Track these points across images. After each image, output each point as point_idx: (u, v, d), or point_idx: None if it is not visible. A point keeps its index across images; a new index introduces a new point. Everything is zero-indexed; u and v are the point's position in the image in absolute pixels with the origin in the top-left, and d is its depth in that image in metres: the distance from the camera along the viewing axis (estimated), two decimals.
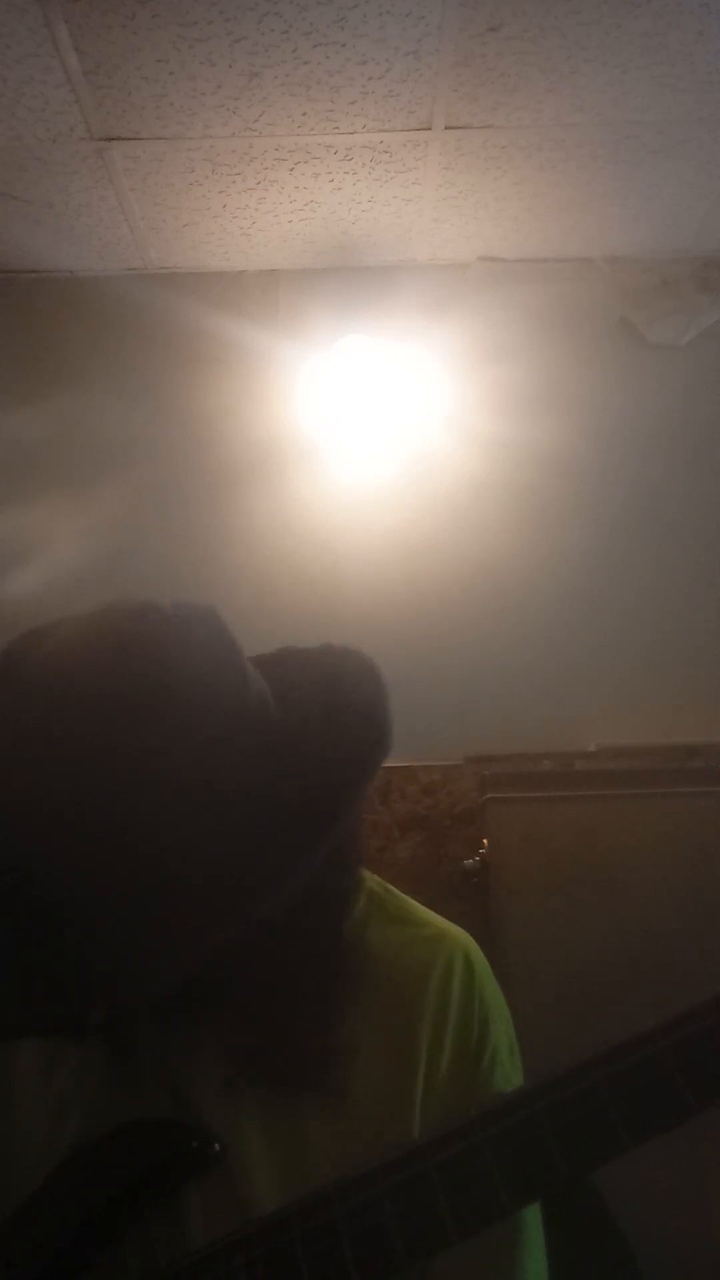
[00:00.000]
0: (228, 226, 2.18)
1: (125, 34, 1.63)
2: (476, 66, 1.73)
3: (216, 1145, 0.70)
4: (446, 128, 1.89)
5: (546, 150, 1.96)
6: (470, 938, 0.82)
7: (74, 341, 2.32)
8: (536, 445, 2.23)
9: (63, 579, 2.07)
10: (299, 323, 2.28)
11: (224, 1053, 0.71)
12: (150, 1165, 0.70)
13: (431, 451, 2.25)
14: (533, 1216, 0.74)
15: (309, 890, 0.62)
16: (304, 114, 1.83)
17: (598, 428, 2.25)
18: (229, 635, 0.66)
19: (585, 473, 2.23)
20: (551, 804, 1.81)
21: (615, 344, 2.30)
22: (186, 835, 0.55)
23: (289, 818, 0.58)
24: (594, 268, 2.32)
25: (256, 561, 2.12)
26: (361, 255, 2.29)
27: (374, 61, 1.71)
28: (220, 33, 1.63)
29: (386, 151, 1.95)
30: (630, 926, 1.67)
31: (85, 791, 0.54)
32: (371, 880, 0.84)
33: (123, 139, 1.90)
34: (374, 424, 2.23)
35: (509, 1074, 0.78)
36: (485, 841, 1.81)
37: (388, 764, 0.72)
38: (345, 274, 2.32)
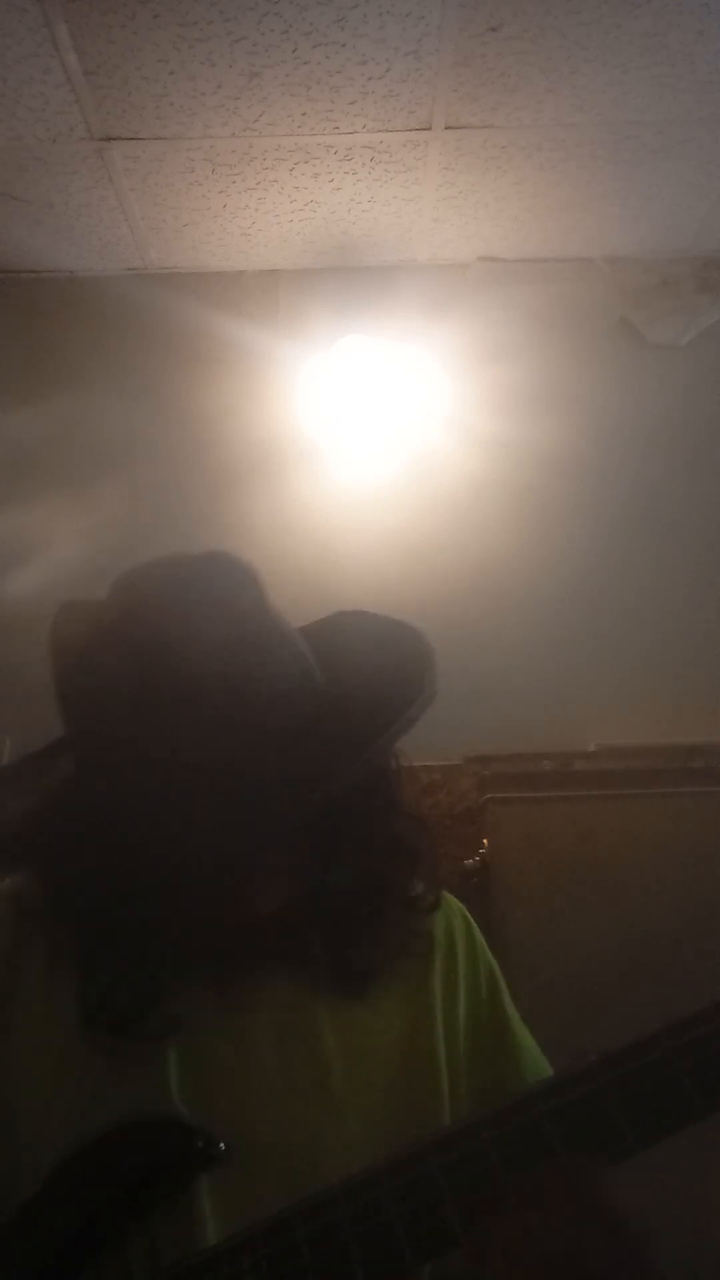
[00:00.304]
0: (228, 226, 2.18)
1: (125, 34, 1.63)
2: (476, 66, 1.73)
3: (222, 1145, 0.70)
4: (446, 128, 1.89)
5: (546, 150, 1.96)
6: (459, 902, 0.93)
7: (74, 341, 2.32)
8: (536, 445, 2.23)
9: (63, 579, 2.07)
10: (299, 323, 2.28)
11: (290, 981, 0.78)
12: (154, 1164, 0.70)
13: (431, 451, 2.25)
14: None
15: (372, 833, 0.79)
16: (304, 114, 1.83)
17: (598, 428, 2.25)
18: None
19: (585, 473, 2.22)
20: (551, 804, 1.81)
21: (615, 344, 2.30)
22: (277, 736, 0.72)
23: (337, 732, 0.74)
24: (594, 268, 2.32)
25: (256, 561, 2.11)
26: (361, 255, 2.29)
27: (374, 61, 1.71)
28: (220, 33, 1.63)
29: (386, 151, 1.95)
30: (630, 926, 1.67)
31: (212, 696, 0.70)
32: None
33: (123, 139, 1.90)
34: (374, 424, 2.23)
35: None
36: (485, 841, 1.81)
37: None
38: (345, 274, 2.32)
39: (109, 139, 1.89)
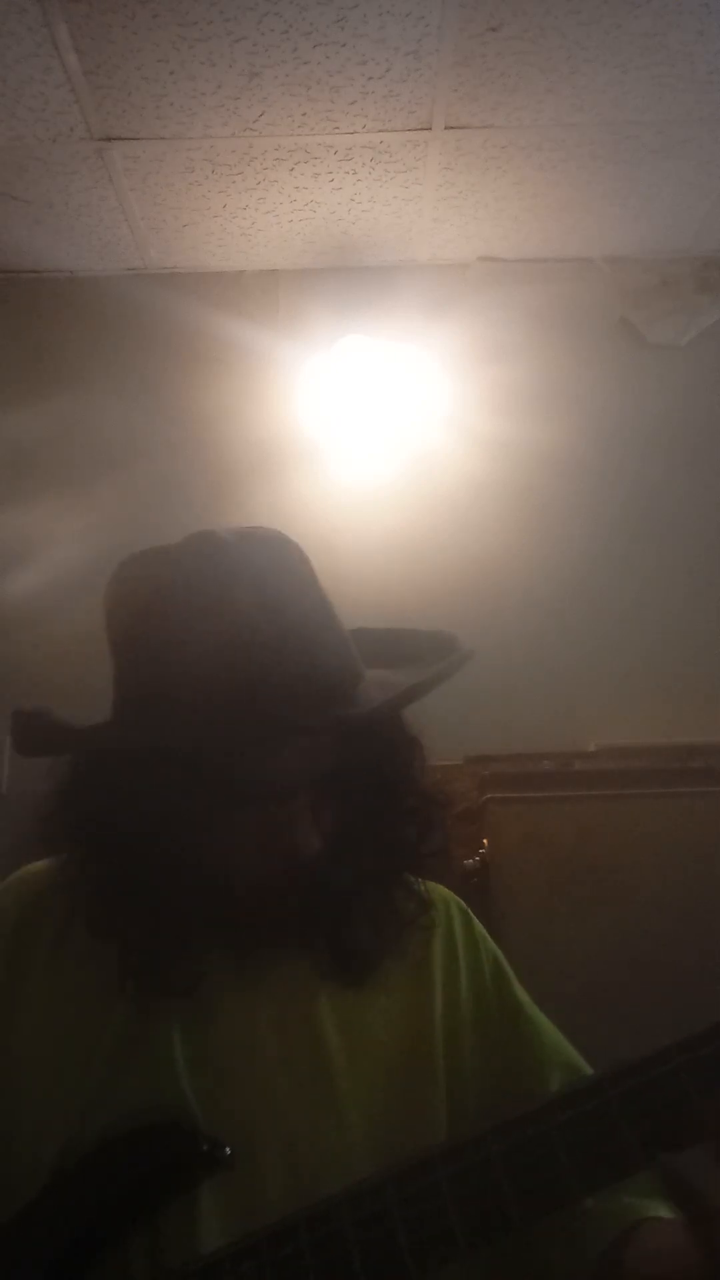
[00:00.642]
0: (228, 226, 2.18)
1: (125, 34, 1.63)
2: (476, 66, 1.73)
3: (228, 1149, 0.70)
4: (446, 128, 1.89)
5: (546, 150, 1.95)
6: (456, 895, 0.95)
7: (74, 341, 2.32)
8: (536, 445, 2.23)
9: (63, 579, 2.07)
10: (299, 323, 2.28)
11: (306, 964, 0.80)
12: (159, 1167, 0.70)
13: (431, 451, 2.25)
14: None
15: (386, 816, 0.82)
16: (304, 114, 1.83)
17: (598, 428, 2.25)
18: None
19: (585, 473, 2.22)
20: (551, 804, 1.80)
21: (615, 344, 2.30)
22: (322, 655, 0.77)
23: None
24: (594, 268, 2.32)
25: None
26: (361, 255, 2.29)
27: (374, 61, 1.71)
28: (220, 33, 1.63)
29: (386, 151, 1.95)
30: (630, 926, 1.67)
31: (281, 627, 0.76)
32: None
33: (123, 139, 1.90)
34: (374, 424, 2.23)
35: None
36: (485, 841, 1.80)
37: None
38: (345, 274, 2.32)
39: (109, 139, 1.89)
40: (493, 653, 2.12)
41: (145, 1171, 0.70)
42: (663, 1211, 0.71)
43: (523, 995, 0.89)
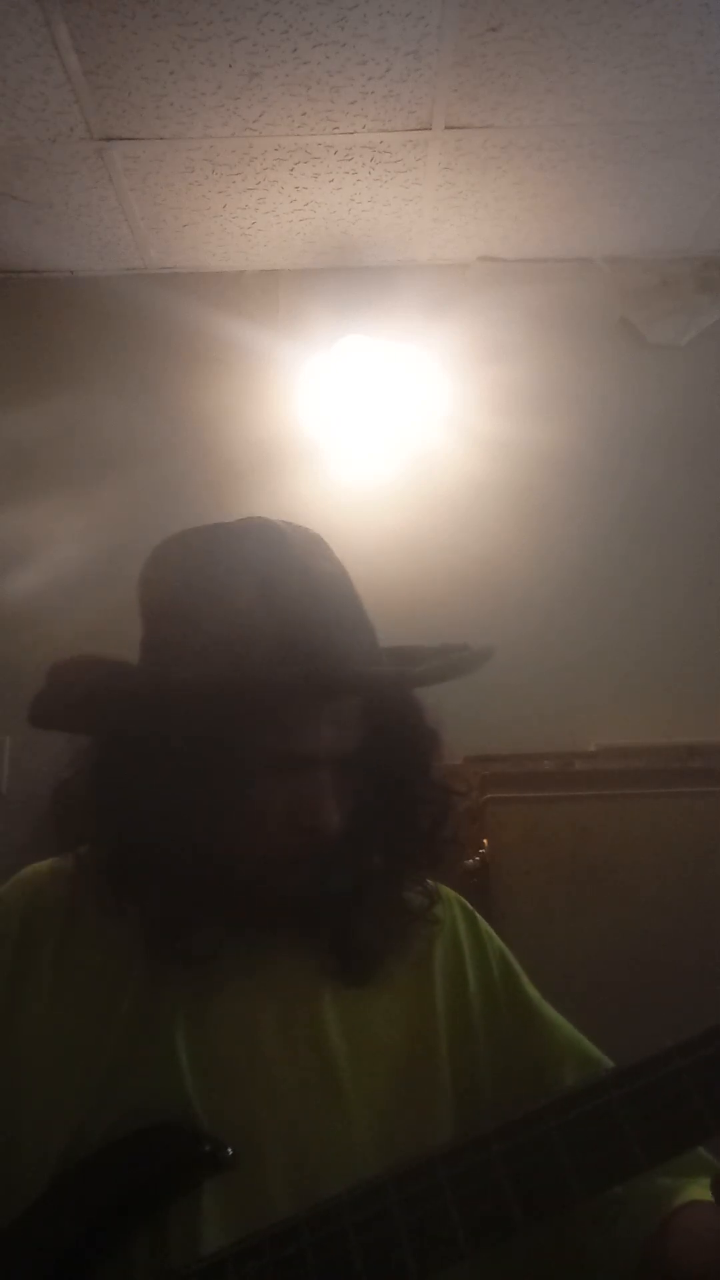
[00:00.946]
0: (228, 226, 2.18)
1: (125, 34, 1.63)
2: (476, 66, 1.73)
3: (229, 1150, 0.70)
4: (446, 128, 1.89)
5: (546, 150, 1.96)
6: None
7: (74, 341, 2.32)
8: (536, 445, 2.23)
9: (63, 579, 2.07)
10: (299, 323, 2.28)
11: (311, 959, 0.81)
12: (161, 1168, 0.70)
13: (431, 451, 2.25)
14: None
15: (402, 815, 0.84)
16: (304, 114, 1.83)
17: (598, 428, 2.25)
18: None
19: (585, 473, 2.22)
20: (551, 804, 1.80)
21: (615, 344, 2.30)
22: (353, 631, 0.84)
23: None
24: (594, 268, 2.32)
25: None
26: (361, 255, 2.29)
27: (374, 61, 1.71)
28: (220, 33, 1.63)
29: (386, 151, 1.95)
30: (630, 926, 1.67)
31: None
32: None
33: (123, 139, 1.90)
34: (374, 424, 2.23)
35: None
36: (485, 841, 1.80)
37: None
38: (345, 274, 2.32)
39: (109, 139, 1.89)
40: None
41: (146, 1172, 0.70)
42: (700, 1189, 0.71)
43: (534, 992, 0.89)
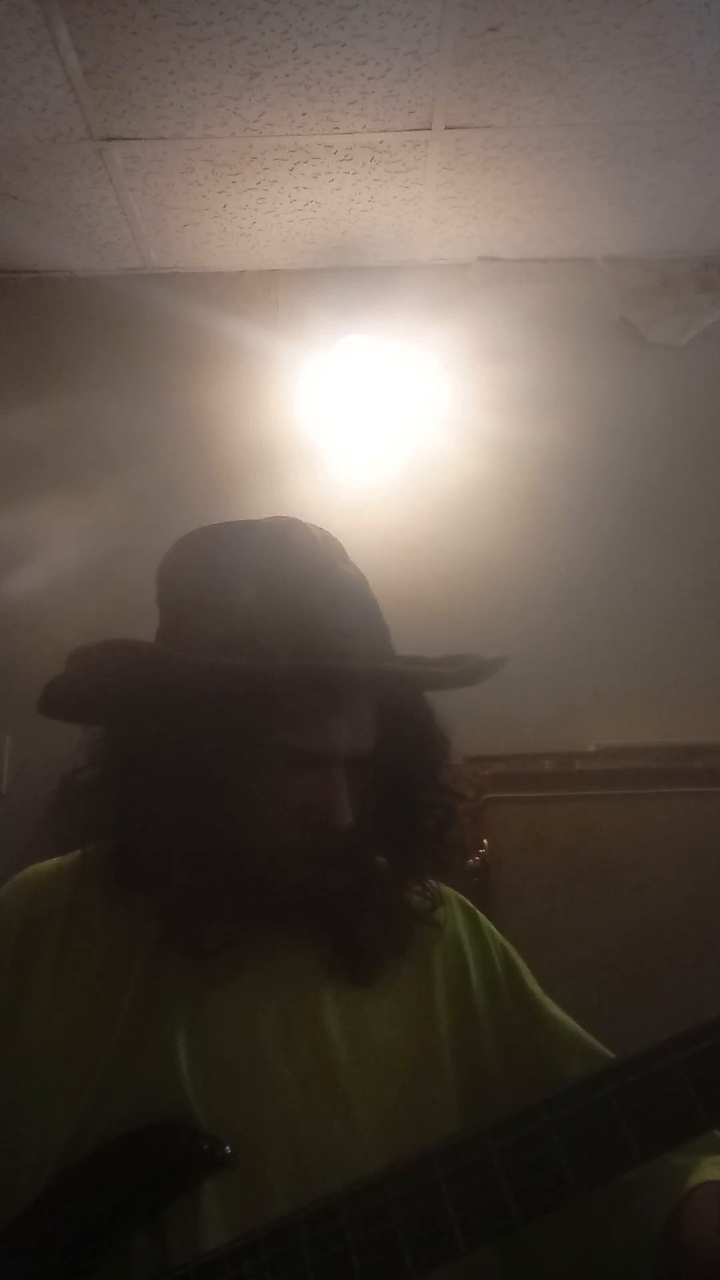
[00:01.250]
0: (228, 226, 2.18)
1: (125, 34, 1.63)
2: (476, 66, 1.73)
3: (228, 1149, 0.70)
4: (446, 128, 1.89)
5: (546, 150, 1.96)
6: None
7: (74, 342, 2.32)
8: (536, 445, 2.23)
9: (63, 579, 2.07)
10: (299, 323, 2.28)
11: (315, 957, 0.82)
12: (160, 1168, 0.70)
13: (431, 451, 2.25)
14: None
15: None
16: (304, 114, 1.83)
17: (598, 428, 2.25)
18: None
19: (585, 473, 2.22)
20: (551, 804, 1.80)
21: (615, 344, 2.30)
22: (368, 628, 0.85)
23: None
24: (594, 268, 2.32)
25: None
26: (361, 255, 2.29)
27: (374, 61, 1.71)
28: (220, 33, 1.63)
29: (386, 151, 1.95)
30: (630, 926, 1.67)
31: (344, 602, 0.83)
32: None
33: (123, 139, 1.90)
34: (374, 424, 2.23)
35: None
36: (485, 841, 1.80)
37: None
38: (345, 274, 2.32)
39: (109, 139, 1.89)
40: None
41: (145, 1171, 0.70)
42: (714, 1166, 0.71)
43: (538, 990, 0.90)
